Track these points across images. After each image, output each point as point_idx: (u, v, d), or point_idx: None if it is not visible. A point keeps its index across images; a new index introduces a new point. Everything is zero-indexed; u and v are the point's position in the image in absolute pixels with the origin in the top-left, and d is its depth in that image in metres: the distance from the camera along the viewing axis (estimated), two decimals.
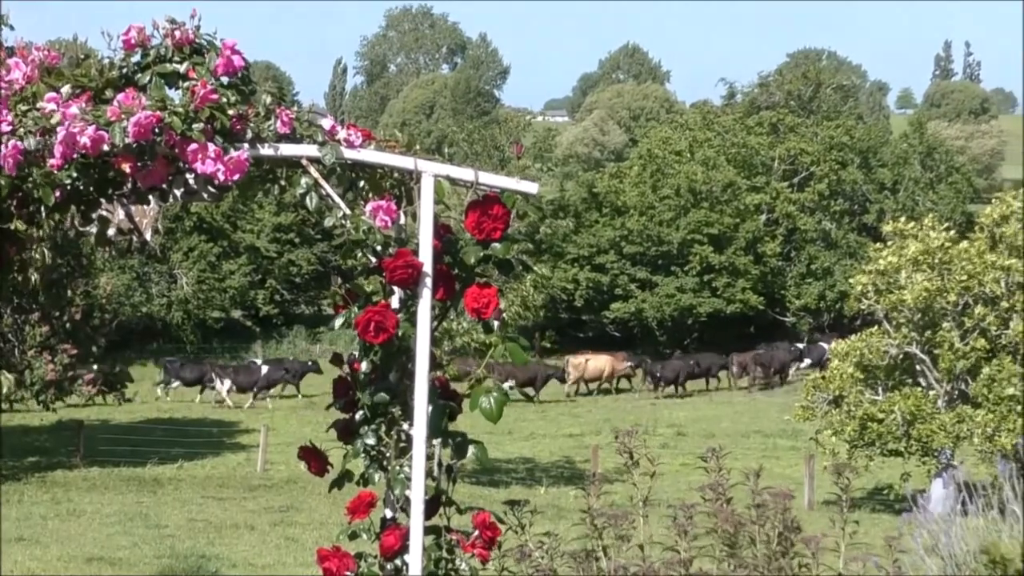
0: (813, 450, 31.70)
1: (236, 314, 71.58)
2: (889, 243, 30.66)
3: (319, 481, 6.05)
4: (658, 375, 58.43)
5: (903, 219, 32.25)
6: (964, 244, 30.07)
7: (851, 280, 32.84)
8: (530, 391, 55.41)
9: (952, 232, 30.72)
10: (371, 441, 5.71)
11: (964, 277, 29.28)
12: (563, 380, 57.59)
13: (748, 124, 78.69)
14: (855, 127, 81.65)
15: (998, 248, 30.02)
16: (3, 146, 5.20)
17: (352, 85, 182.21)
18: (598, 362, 59.27)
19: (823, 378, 31.17)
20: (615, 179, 75.48)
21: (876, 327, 30.86)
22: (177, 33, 5.57)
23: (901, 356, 30.44)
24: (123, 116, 5.23)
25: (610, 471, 30.35)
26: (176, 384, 53.18)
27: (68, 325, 35.39)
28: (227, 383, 51.62)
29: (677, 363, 60.07)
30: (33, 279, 30.65)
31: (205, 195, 5.52)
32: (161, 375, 54.13)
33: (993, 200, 31.90)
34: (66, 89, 5.35)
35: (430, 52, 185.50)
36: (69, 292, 35.12)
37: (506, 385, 52.52)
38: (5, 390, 33.04)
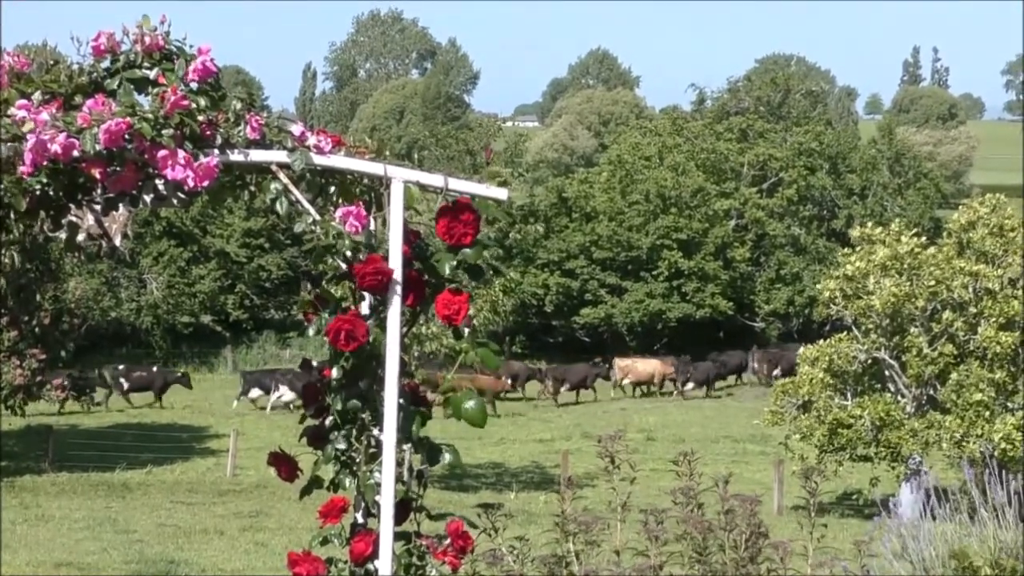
0: (782, 455, 31.77)
1: (206, 319, 71.30)
2: (857, 248, 30.76)
3: (289, 486, 6.05)
4: (689, 376, 59.57)
5: (870, 225, 32.37)
6: (932, 250, 30.20)
7: (820, 285, 32.92)
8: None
9: (922, 239, 30.84)
10: (341, 446, 5.71)
11: (932, 282, 29.40)
12: (608, 378, 59.29)
13: (717, 130, 78.84)
14: (824, 133, 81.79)
15: (966, 254, 30.15)
16: None
17: (322, 90, 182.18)
18: (647, 365, 60.50)
19: (792, 383, 31.23)
20: (585, 184, 75.45)
21: (845, 332, 30.95)
22: (147, 39, 5.56)
23: (870, 361, 30.55)
24: (94, 123, 5.22)
25: (580, 476, 30.43)
26: (258, 393, 52.87)
27: (37, 330, 35.30)
28: (284, 389, 51.50)
29: (707, 364, 61.59)
30: (1, 284, 30.67)
31: (175, 201, 5.51)
32: (241, 385, 53.63)
33: (961, 206, 32.02)
34: (37, 96, 5.34)
35: (399, 57, 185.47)
36: (38, 296, 35.02)
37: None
38: None
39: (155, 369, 55.15)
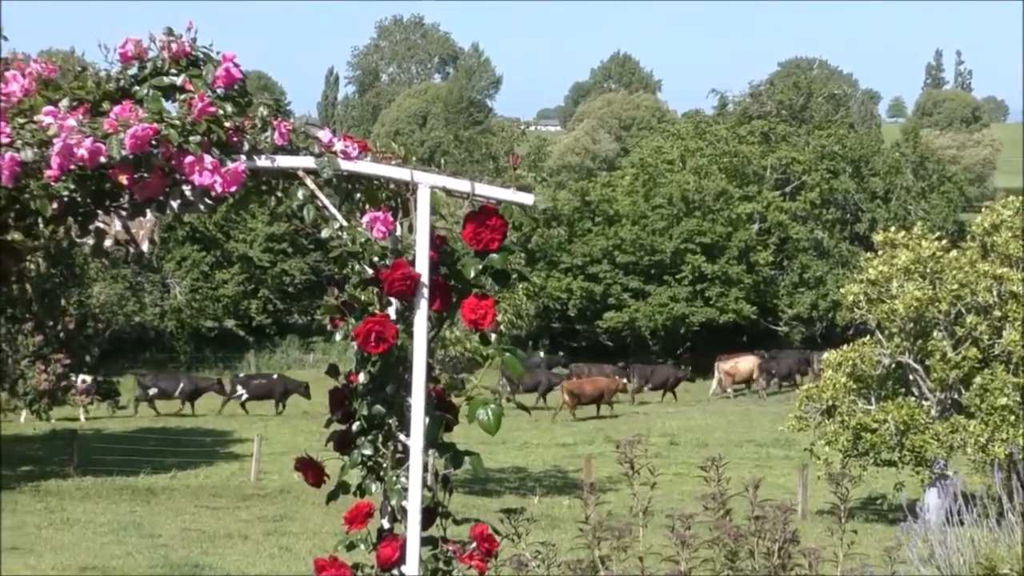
0: (806, 460, 31.67)
1: (229, 323, 71.48)
2: (880, 253, 30.65)
3: (313, 491, 6.05)
4: (774, 372, 61.30)
5: (893, 229, 32.26)
6: (955, 253, 30.06)
7: (843, 289, 32.81)
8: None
9: (944, 241, 30.71)
10: (368, 452, 5.71)
11: (956, 286, 29.28)
12: (692, 380, 61.24)
13: (740, 133, 78.69)
14: (847, 136, 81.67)
15: (989, 257, 30.02)
16: (1, 159, 5.20)
17: (344, 95, 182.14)
18: (747, 363, 61.67)
19: (816, 388, 31.12)
20: (607, 188, 75.37)
21: (869, 337, 30.83)
22: (174, 46, 5.57)
23: (894, 366, 30.43)
24: (120, 128, 5.23)
25: (603, 481, 30.42)
26: None
27: (62, 334, 35.40)
28: None
29: (788, 360, 63.12)
30: (27, 289, 30.79)
31: (202, 207, 5.51)
32: None
33: (984, 209, 31.89)
34: (64, 103, 5.35)
35: (422, 62, 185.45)
36: (63, 302, 35.12)
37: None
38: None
39: (275, 377, 54.90)
